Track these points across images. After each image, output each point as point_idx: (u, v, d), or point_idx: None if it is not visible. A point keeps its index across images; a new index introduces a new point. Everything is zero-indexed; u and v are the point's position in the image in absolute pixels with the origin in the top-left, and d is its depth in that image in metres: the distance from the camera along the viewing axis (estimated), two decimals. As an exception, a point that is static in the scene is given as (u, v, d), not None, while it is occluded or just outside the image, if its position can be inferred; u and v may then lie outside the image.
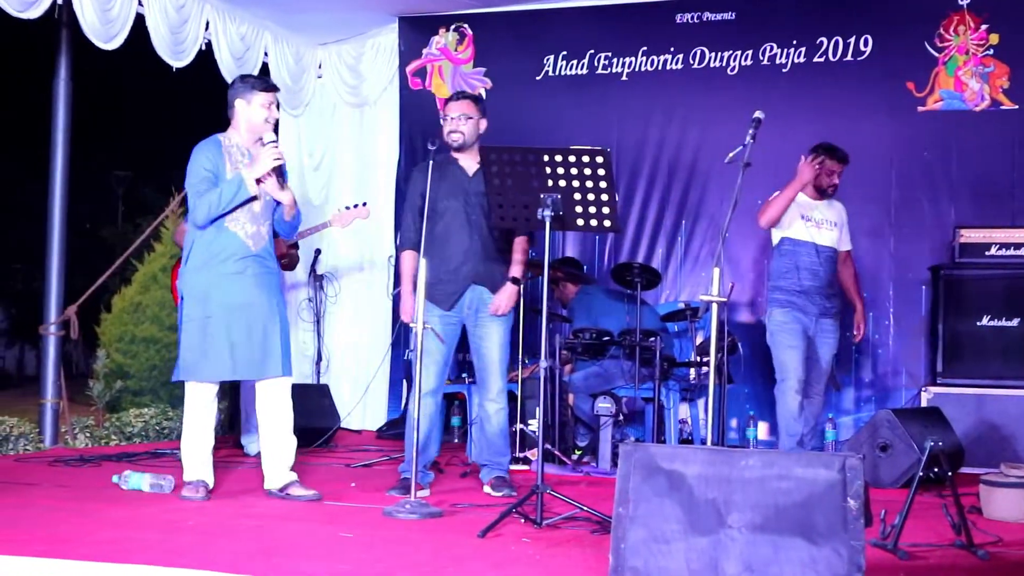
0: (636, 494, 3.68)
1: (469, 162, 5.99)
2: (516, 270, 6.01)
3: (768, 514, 3.55)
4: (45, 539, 4.36)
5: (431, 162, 5.66)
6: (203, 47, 8.54)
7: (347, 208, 7.51)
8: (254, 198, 5.54)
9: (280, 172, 5.58)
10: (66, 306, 8.05)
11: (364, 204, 7.52)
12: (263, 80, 5.83)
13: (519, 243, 6.05)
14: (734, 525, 3.56)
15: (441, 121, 6.06)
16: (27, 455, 7.25)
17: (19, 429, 7.44)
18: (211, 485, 5.67)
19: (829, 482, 3.53)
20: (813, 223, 6.77)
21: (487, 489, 5.96)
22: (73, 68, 8.05)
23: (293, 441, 5.75)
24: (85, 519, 4.89)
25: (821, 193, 6.78)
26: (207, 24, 8.58)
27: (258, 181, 5.52)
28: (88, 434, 7.98)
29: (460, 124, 5.96)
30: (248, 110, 5.63)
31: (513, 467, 6.87)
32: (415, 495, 5.23)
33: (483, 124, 6.04)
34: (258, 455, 6.46)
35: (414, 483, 5.26)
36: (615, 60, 9.10)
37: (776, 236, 6.81)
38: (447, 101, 6.13)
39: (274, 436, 5.71)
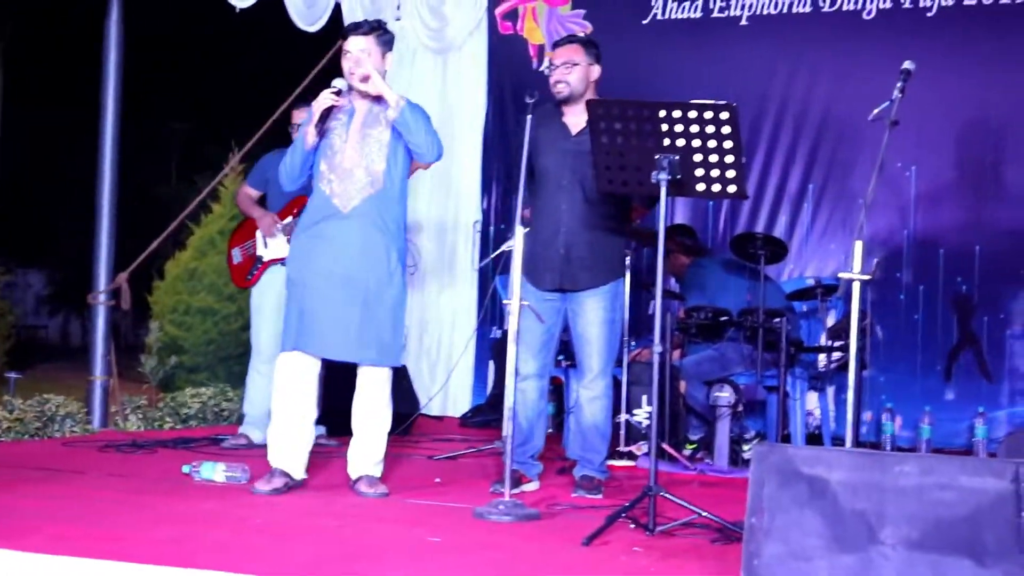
0: (771, 503, 3.60)
1: (576, 118, 5.78)
2: None
3: (927, 529, 3.45)
4: (98, 537, 4.34)
5: (530, 116, 5.45)
6: (271, -14, 8.53)
7: None
8: (315, 150, 5.51)
9: (326, 115, 5.48)
10: (116, 272, 8.09)
11: None
12: (348, 26, 5.79)
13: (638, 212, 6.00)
14: (887, 541, 3.47)
15: (545, 71, 5.87)
16: (75, 438, 7.32)
17: (65, 408, 7.50)
18: (296, 477, 5.58)
19: (999, 493, 3.42)
20: None
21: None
22: (125, 9, 8.05)
23: (377, 437, 5.64)
24: (141, 514, 4.89)
25: None
26: (273, -40, 8.56)
27: (324, 121, 5.47)
28: (140, 415, 8.03)
29: (565, 73, 5.75)
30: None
31: (616, 463, 6.79)
32: (509, 492, 5.14)
33: (595, 71, 5.83)
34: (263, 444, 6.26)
35: (508, 480, 5.18)
36: (733, 2, 8.93)
37: None
38: (553, 46, 6.00)
39: (358, 428, 5.66)
